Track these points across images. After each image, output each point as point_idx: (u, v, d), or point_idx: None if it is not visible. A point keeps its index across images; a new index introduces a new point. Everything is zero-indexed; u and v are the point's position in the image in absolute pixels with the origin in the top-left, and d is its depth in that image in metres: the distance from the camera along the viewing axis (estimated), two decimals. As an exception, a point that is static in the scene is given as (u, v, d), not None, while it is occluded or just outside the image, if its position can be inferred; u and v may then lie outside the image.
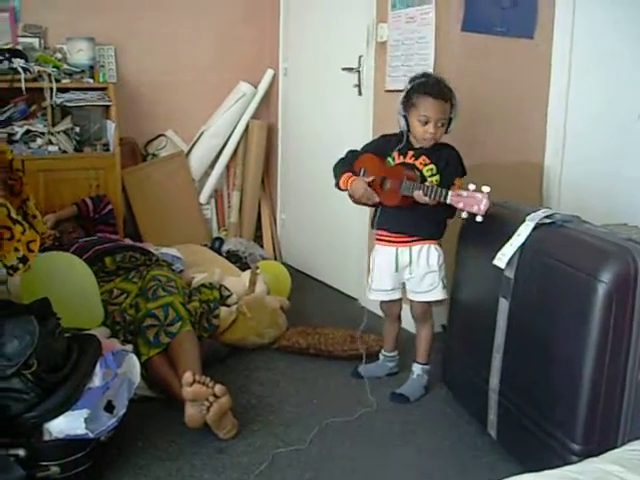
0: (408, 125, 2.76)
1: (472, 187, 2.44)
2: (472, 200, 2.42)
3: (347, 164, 2.89)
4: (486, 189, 2.40)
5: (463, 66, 3.39)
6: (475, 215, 2.42)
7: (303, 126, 4.63)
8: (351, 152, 2.94)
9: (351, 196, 2.88)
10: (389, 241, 2.85)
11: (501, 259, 2.35)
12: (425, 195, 2.57)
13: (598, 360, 1.99)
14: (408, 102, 2.73)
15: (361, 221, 3.75)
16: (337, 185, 2.89)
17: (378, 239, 2.90)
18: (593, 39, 3.53)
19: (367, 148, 2.94)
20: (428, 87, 2.70)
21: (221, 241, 4.68)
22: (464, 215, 2.47)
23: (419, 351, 2.95)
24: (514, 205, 2.58)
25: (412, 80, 2.77)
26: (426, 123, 2.69)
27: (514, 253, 2.32)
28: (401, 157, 2.79)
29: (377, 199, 2.78)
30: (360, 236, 3.94)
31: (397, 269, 2.84)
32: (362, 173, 2.82)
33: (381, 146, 2.88)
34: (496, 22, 3.43)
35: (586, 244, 2.13)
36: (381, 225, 2.86)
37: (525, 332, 2.29)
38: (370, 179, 2.77)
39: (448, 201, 2.49)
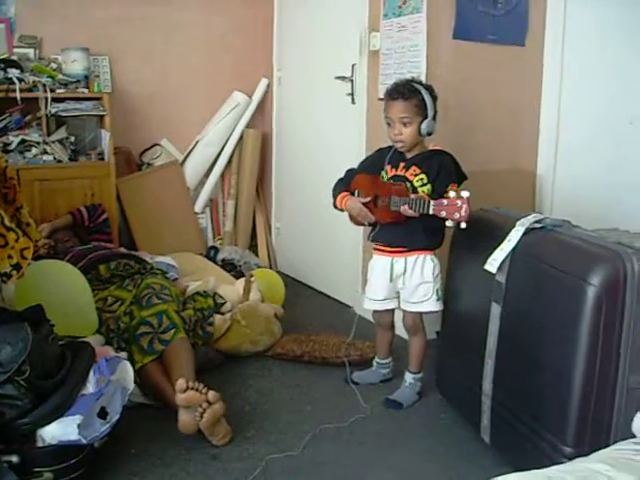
0: None
1: (452, 194, 2.43)
2: (453, 207, 2.40)
3: (344, 184, 2.91)
4: (465, 194, 2.39)
5: (455, 73, 3.42)
6: (459, 222, 2.42)
7: (297, 135, 4.65)
8: (349, 171, 2.95)
9: (350, 217, 2.90)
10: (385, 251, 2.85)
11: (492, 264, 2.36)
12: (410, 208, 2.57)
13: (589, 363, 2.00)
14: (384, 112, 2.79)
15: (355, 230, 3.74)
16: (334, 205, 2.91)
17: (375, 249, 2.91)
18: (584, 45, 3.57)
19: (363, 165, 2.97)
20: (388, 91, 2.76)
21: (216, 250, 4.68)
22: (449, 224, 2.46)
23: (411, 361, 2.95)
24: (504, 211, 2.60)
25: None
26: (390, 125, 2.72)
27: (505, 258, 2.33)
28: (393, 170, 2.79)
29: (373, 219, 2.79)
30: (354, 244, 3.95)
31: (391, 279, 2.84)
32: (357, 195, 2.84)
33: (376, 161, 2.89)
34: (487, 30, 3.46)
35: (576, 248, 2.14)
36: (377, 239, 2.87)
37: (516, 336, 2.30)
38: (365, 200, 2.78)
39: (431, 212, 2.48)
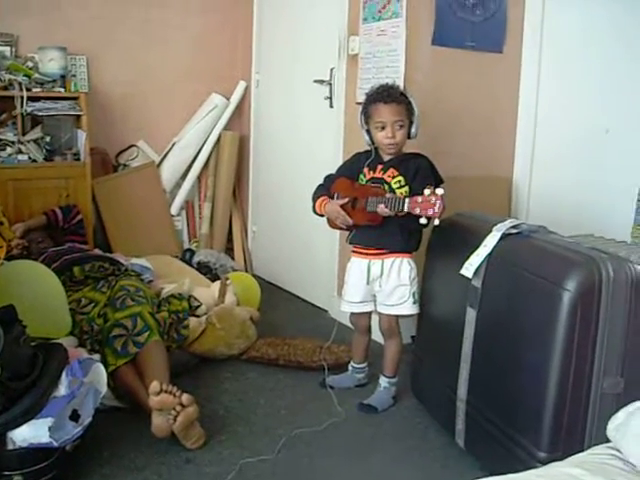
0: (372, 139, 2.79)
1: (427, 192, 2.44)
2: (427, 204, 2.43)
3: (323, 189, 2.92)
4: (439, 191, 2.41)
5: (433, 79, 3.43)
6: (432, 219, 2.44)
7: (275, 138, 4.64)
8: (328, 177, 2.96)
9: (328, 220, 2.90)
10: (363, 253, 2.86)
11: (468, 269, 2.36)
12: (386, 207, 2.59)
13: (563, 368, 2.00)
14: (365, 115, 2.79)
15: (331, 234, 3.75)
16: (314, 210, 2.91)
17: (353, 251, 2.91)
18: (561, 54, 3.59)
19: (341, 169, 2.98)
20: (377, 94, 2.76)
21: (192, 252, 4.66)
22: (422, 221, 2.46)
23: (386, 365, 2.95)
24: (481, 216, 2.60)
25: (367, 94, 2.82)
26: (383, 128, 2.72)
27: (481, 263, 2.33)
28: (371, 172, 2.80)
29: (351, 222, 2.79)
30: (330, 249, 3.95)
31: (368, 281, 2.85)
32: (336, 198, 2.85)
33: (354, 165, 2.90)
34: (466, 36, 3.48)
35: (552, 253, 2.15)
36: (355, 241, 2.88)
37: (492, 341, 2.31)
38: (343, 201, 2.79)
39: (406, 209, 2.50)
